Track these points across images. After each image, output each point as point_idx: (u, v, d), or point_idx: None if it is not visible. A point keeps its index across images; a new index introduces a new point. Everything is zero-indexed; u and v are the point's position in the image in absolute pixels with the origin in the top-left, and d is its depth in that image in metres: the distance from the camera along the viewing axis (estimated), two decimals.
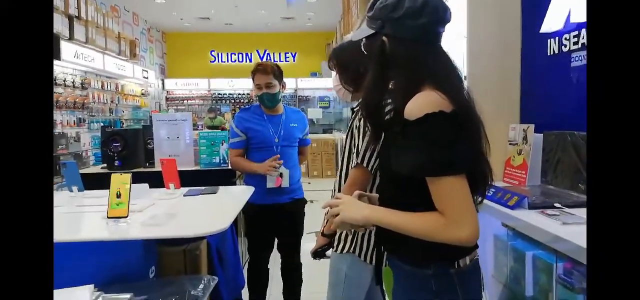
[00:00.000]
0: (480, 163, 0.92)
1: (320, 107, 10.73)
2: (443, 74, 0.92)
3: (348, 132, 1.60)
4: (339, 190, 1.60)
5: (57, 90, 5.87)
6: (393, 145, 0.92)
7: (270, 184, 2.30)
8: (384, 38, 0.96)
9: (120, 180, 1.48)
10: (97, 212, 1.59)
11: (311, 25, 10.43)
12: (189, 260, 1.88)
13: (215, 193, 2.05)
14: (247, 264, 2.58)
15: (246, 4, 8.38)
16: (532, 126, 1.80)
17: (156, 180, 2.17)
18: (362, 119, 1.49)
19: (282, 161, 2.28)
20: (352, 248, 1.55)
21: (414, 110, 0.86)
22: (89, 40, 6.09)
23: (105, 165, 3.23)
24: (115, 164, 3.14)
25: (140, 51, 8.80)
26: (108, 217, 1.44)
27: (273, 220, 2.37)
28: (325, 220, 1.65)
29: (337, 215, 1.01)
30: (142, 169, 3.20)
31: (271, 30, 10.90)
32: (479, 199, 0.94)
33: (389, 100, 0.95)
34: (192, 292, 1.53)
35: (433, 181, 0.86)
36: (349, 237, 1.56)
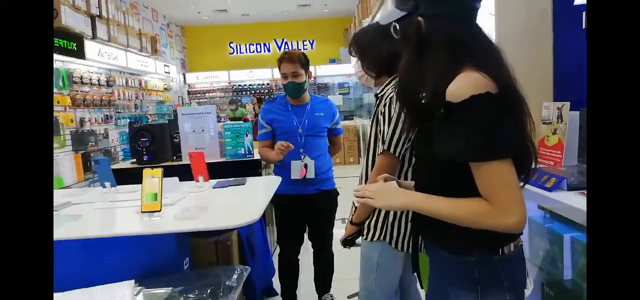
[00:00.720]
0: (525, 145, 0.88)
1: (340, 94, 10.66)
2: (484, 53, 0.88)
3: (373, 118, 1.58)
4: (366, 178, 1.59)
5: (84, 89, 6.02)
6: (435, 130, 0.89)
7: (294, 174, 2.29)
8: (420, 18, 0.93)
9: (152, 174, 1.50)
10: (131, 206, 1.62)
11: (328, 11, 10.33)
12: (221, 251, 1.91)
13: (243, 184, 2.06)
14: (276, 252, 2.60)
15: None
16: (568, 104, 1.73)
17: (185, 174, 2.21)
18: (387, 105, 1.46)
19: (292, 146, 2.22)
20: (382, 235, 1.54)
21: (458, 92, 0.83)
22: (112, 39, 6.21)
23: (134, 160, 3.31)
24: (144, 159, 3.21)
25: (161, 46, 8.92)
26: (142, 212, 1.47)
27: (301, 211, 2.37)
28: (354, 208, 1.64)
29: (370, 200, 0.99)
30: (170, 163, 3.27)
31: (288, 19, 10.85)
32: (522, 182, 0.91)
33: (427, 84, 0.92)
34: (226, 283, 1.56)
35: (478, 166, 0.83)
36: (379, 225, 1.54)
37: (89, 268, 1.67)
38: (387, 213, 1.53)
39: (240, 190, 1.97)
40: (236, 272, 1.70)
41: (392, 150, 1.43)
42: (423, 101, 0.92)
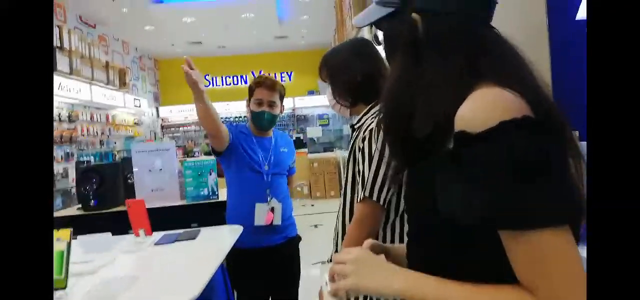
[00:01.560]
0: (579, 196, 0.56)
1: (320, 125, 10.41)
2: (509, 62, 0.59)
3: (349, 154, 1.27)
4: (343, 230, 1.26)
5: None
6: (438, 174, 0.57)
7: (259, 220, 1.94)
8: (415, 15, 0.63)
9: (57, 237, 1.14)
10: None
11: (304, 43, 10.20)
12: None
13: (193, 239, 1.70)
14: None
15: (236, 25, 8.15)
16: (577, 133, 1.45)
17: None
18: (367, 139, 1.15)
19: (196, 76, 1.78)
20: None
21: (478, 118, 0.52)
22: (74, 71, 5.82)
23: (80, 205, 2.90)
24: (92, 204, 2.80)
25: (132, 79, 8.54)
26: None
27: (264, 268, 1.99)
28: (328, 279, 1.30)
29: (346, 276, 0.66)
30: (122, 208, 2.86)
31: (265, 51, 10.67)
32: None
33: (426, 106, 0.60)
34: None
35: (516, 237, 0.51)
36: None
37: None
38: None
39: (188, 247, 1.61)
40: None
41: (374, 197, 1.11)
42: (419, 131, 0.60)
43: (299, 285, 2.17)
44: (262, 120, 1.99)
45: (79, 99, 6.24)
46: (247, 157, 1.96)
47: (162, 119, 10.65)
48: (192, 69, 1.71)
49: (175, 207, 2.76)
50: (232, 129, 2.03)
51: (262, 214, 1.94)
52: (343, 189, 1.29)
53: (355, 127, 1.27)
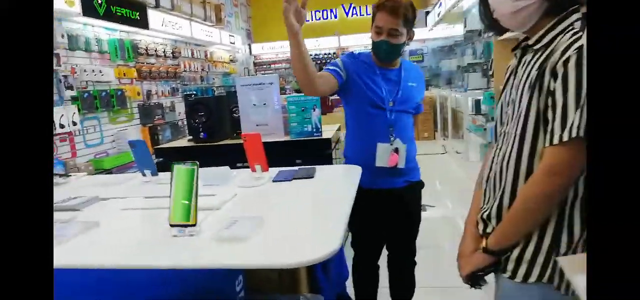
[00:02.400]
0: None
1: (413, 61, 9.77)
2: None
3: (533, 86, 0.95)
4: (515, 183, 0.99)
5: (150, 60, 5.90)
6: None
7: (381, 161, 1.73)
8: None
9: (184, 172, 1.04)
10: (167, 208, 1.18)
11: None
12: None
13: (312, 177, 1.56)
14: (348, 242, 2.09)
15: None
16: None
17: (244, 154, 1.74)
18: (572, 61, 0.84)
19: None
20: (546, 274, 0.95)
21: None
22: (175, 7, 5.99)
23: (191, 137, 2.98)
24: (201, 136, 2.85)
25: (226, 16, 8.67)
26: (171, 225, 1.02)
27: (383, 210, 1.82)
28: (482, 226, 1.07)
29: None
30: (229, 141, 2.88)
31: None
32: None
33: None
34: None
35: None
36: (539, 257, 0.95)
37: (108, 291, 1.28)
38: (557, 236, 0.94)
39: (308, 186, 1.47)
40: None
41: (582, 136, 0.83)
42: None
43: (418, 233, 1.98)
44: (379, 52, 1.71)
45: (180, 35, 6.47)
46: (368, 91, 1.73)
47: (255, 56, 10.83)
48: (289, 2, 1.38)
49: (278, 143, 2.70)
50: (350, 61, 1.79)
51: (385, 155, 1.73)
52: (512, 130, 1.00)
53: (536, 46, 0.96)
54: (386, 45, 1.67)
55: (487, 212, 1.06)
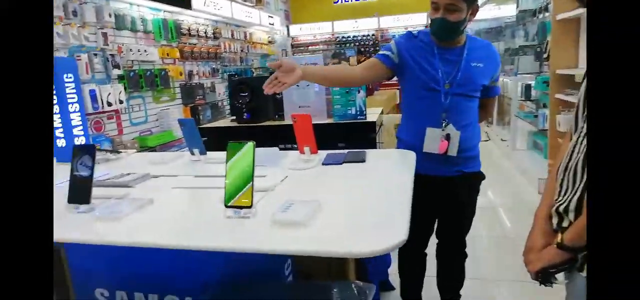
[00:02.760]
0: None
1: None
2: None
3: None
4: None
5: (191, 41, 5.98)
6: None
7: (429, 146, 1.63)
8: None
9: (241, 152, 1.00)
10: (217, 187, 1.16)
11: None
12: None
13: (363, 161, 1.49)
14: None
15: None
16: None
17: (287, 137, 1.71)
18: None
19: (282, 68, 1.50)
20: None
21: None
22: None
23: (234, 117, 2.98)
24: (244, 117, 2.85)
25: None
26: (226, 206, 0.99)
27: (433, 198, 1.73)
28: (557, 220, 0.98)
29: None
30: (271, 122, 2.86)
31: None
32: None
33: None
34: None
35: None
36: None
37: (160, 267, 1.28)
38: None
39: (361, 171, 1.41)
40: (355, 288, 1.17)
41: None
42: None
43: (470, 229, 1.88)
44: (435, 30, 1.59)
45: (221, 16, 6.52)
46: (422, 73, 1.63)
47: (292, 38, 10.78)
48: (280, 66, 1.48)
49: (320, 126, 2.64)
50: (405, 41, 1.68)
51: (434, 141, 1.63)
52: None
53: None
54: (443, 22, 1.55)
55: (563, 205, 0.97)
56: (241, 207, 0.99)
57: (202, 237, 0.92)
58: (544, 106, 3.97)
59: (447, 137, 1.63)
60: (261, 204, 1.07)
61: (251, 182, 0.99)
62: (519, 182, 4.27)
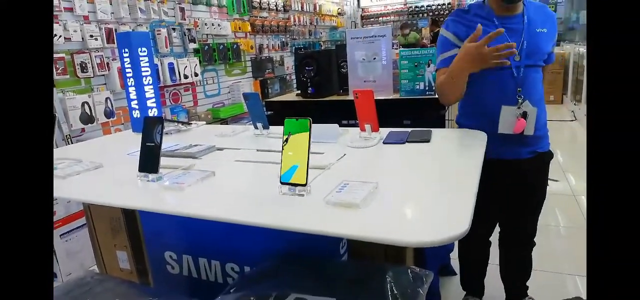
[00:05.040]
0: None
1: None
2: None
3: None
4: None
5: (263, 14, 6.08)
6: None
7: (505, 127, 1.49)
8: None
9: (296, 128, 0.99)
10: (278, 162, 1.16)
11: None
12: None
13: (428, 141, 1.41)
14: None
15: None
16: None
17: (350, 111, 1.66)
18: None
19: (513, 46, 1.35)
20: None
21: None
22: None
23: (299, 92, 3.00)
24: (309, 92, 2.85)
25: None
26: (281, 183, 0.99)
27: (503, 182, 1.60)
28: None
29: None
30: (336, 97, 2.84)
31: None
32: None
33: None
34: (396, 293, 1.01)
35: None
36: None
37: (223, 236, 1.33)
38: None
39: (425, 152, 1.33)
40: (411, 274, 1.12)
41: None
42: None
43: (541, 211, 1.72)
44: None
45: None
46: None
47: (362, 9, 10.53)
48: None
49: (385, 102, 2.56)
50: (460, 24, 1.52)
51: (510, 120, 1.49)
52: None
53: None
54: None
55: None
56: (296, 185, 0.98)
57: (255, 213, 0.93)
58: None
59: (524, 115, 1.48)
60: (317, 182, 1.06)
61: (306, 160, 0.98)
62: None
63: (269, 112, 2.93)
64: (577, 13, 7.33)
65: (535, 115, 1.49)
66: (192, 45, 4.48)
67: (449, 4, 9.82)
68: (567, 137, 5.22)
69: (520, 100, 1.48)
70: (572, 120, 5.95)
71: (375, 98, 1.49)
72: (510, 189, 1.64)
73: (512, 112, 1.48)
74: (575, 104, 6.29)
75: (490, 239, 1.85)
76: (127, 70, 1.89)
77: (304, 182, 0.97)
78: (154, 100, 1.92)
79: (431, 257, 1.92)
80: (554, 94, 7.22)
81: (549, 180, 1.70)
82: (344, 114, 2.49)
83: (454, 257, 2.08)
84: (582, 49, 5.99)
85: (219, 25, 5.00)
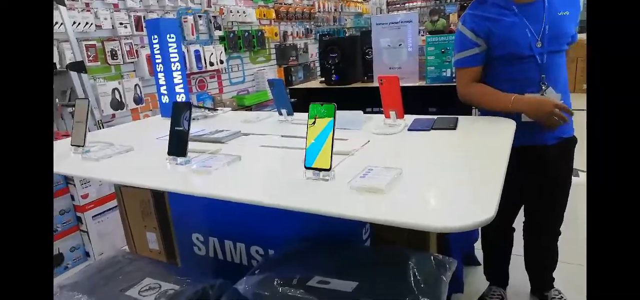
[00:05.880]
0: None
1: None
2: None
3: None
4: None
5: (287, 1, 6.07)
6: None
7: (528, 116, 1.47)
8: None
9: (322, 113, 1.00)
10: (302, 148, 1.18)
11: None
12: None
13: (454, 129, 1.39)
14: None
15: None
16: None
17: (375, 98, 1.66)
18: None
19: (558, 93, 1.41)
20: None
21: None
22: None
23: (323, 79, 2.99)
24: (333, 79, 2.84)
25: None
26: (305, 168, 1.00)
27: (528, 169, 1.57)
28: None
29: None
30: (360, 84, 2.82)
31: None
32: None
33: None
34: (420, 280, 1.01)
35: None
36: None
37: (248, 219, 1.36)
38: None
39: (451, 139, 1.31)
40: (434, 261, 1.12)
41: None
42: None
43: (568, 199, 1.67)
44: None
45: None
46: (510, 42, 1.44)
47: None
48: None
49: (411, 89, 2.53)
50: (478, 18, 1.49)
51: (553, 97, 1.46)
52: None
53: None
54: None
55: None
56: (320, 170, 0.99)
57: (280, 196, 0.95)
58: None
59: None
60: (341, 167, 1.07)
61: (331, 145, 0.98)
62: None
63: (293, 100, 2.94)
64: None
65: (559, 101, 1.45)
66: (217, 33, 4.53)
67: None
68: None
69: (544, 87, 1.45)
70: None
71: (400, 85, 1.47)
72: (535, 176, 1.61)
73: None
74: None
75: (514, 225, 1.81)
76: (157, 56, 1.94)
77: (329, 167, 0.98)
78: (182, 85, 1.96)
79: (455, 246, 1.90)
80: (583, 82, 6.94)
81: (578, 171, 1.66)
82: (369, 102, 2.47)
83: (478, 247, 2.05)
84: None
85: (244, 12, 5.03)
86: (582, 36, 1.27)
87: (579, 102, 1.57)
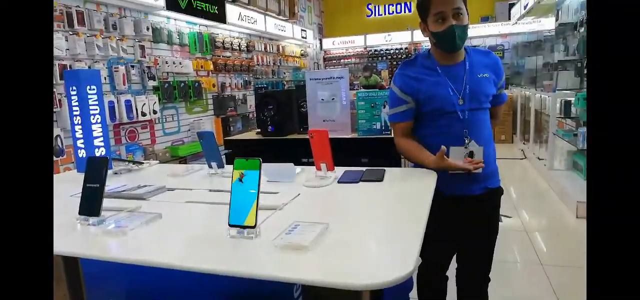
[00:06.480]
0: None
1: None
2: None
3: None
4: None
5: (226, 54, 6.11)
6: None
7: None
8: None
9: (247, 168, 0.98)
10: (227, 203, 1.13)
11: None
12: None
13: (381, 180, 1.44)
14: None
15: None
16: None
17: (310, 149, 1.68)
18: None
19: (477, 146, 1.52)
20: None
21: None
22: (251, 2, 6.13)
23: (259, 130, 2.99)
24: (269, 130, 2.85)
25: (299, 10, 8.76)
26: (230, 225, 0.96)
27: (457, 218, 1.65)
28: None
29: None
30: (296, 135, 2.85)
31: None
32: None
33: None
34: None
35: None
36: None
37: (169, 282, 1.27)
38: None
39: (377, 190, 1.35)
40: None
41: None
42: None
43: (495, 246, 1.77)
44: (452, 40, 1.51)
45: (255, 29, 6.64)
46: (436, 99, 1.56)
47: (325, 51, 10.83)
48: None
49: (344, 141, 2.60)
50: (407, 77, 1.61)
51: (459, 159, 1.56)
52: None
53: None
54: (458, 30, 1.48)
55: None
56: (245, 227, 0.96)
57: (199, 258, 0.89)
58: (584, 124, 3.75)
59: (471, 154, 1.56)
60: (268, 222, 1.04)
61: (255, 201, 0.96)
62: (556, 204, 4.04)
63: (228, 151, 2.89)
64: (521, 59, 7.87)
65: (482, 154, 1.56)
66: (151, 83, 4.41)
67: (405, 49, 10.30)
68: (519, 174, 5.47)
69: (467, 141, 1.56)
70: (522, 159, 6.26)
71: (334, 137, 1.51)
72: (465, 224, 1.68)
73: (460, 152, 1.55)
74: (524, 144, 6.64)
75: (447, 273, 1.87)
76: (74, 108, 1.82)
77: (253, 224, 0.95)
78: (101, 139, 1.85)
79: (389, 297, 1.91)
80: (505, 134, 7.62)
81: (502, 216, 1.77)
82: (304, 153, 2.49)
83: (414, 295, 2.07)
84: (528, 92, 6.41)
85: (180, 63, 4.97)
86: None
87: (497, 152, 1.71)
